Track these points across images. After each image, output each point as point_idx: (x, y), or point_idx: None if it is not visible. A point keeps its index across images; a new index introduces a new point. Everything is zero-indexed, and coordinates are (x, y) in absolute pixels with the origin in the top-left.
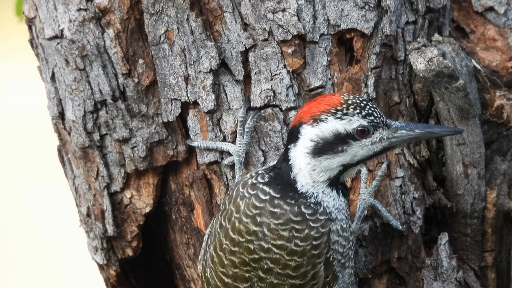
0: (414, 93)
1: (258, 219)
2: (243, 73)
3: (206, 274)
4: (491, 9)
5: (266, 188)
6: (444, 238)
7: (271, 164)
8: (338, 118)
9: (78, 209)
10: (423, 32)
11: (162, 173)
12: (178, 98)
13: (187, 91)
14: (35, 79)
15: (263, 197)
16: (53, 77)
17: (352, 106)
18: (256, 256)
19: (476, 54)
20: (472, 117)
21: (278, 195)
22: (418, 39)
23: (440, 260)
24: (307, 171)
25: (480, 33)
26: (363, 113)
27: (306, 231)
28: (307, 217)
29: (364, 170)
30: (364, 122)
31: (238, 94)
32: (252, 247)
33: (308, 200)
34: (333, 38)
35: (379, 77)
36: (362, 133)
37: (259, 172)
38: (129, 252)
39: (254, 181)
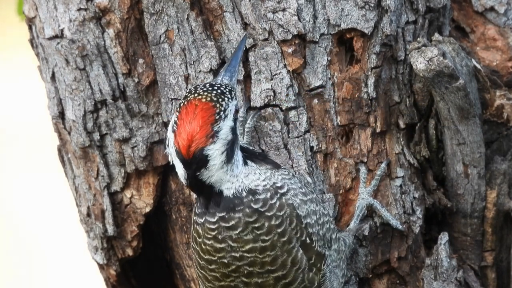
0: (414, 92)
1: (219, 236)
2: (243, 72)
3: (200, 287)
4: (491, 8)
5: (211, 210)
6: (444, 237)
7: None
8: (225, 117)
9: (78, 209)
10: (423, 31)
11: (162, 172)
12: (178, 98)
13: None
14: (35, 79)
15: (213, 219)
16: (53, 77)
17: (221, 99)
18: (233, 267)
19: (476, 53)
20: (472, 116)
21: (223, 213)
22: (418, 38)
23: (440, 260)
24: (228, 177)
25: (480, 33)
26: (228, 96)
27: (266, 224)
28: (261, 210)
29: (363, 169)
30: (235, 102)
31: (238, 93)
32: (226, 261)
33: (246, 196)
34: (333, 37)
35: (379, 76)
36: (237, 111)
37: (196, 201)
38: (129, 252)
39: (198, 211)
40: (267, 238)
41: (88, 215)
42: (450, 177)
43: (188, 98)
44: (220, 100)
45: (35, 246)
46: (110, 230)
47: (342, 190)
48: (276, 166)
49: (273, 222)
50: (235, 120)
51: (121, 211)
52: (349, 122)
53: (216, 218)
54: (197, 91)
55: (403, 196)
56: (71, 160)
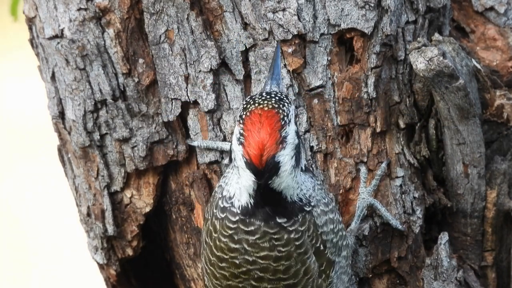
0: (414, 92)
1: (236, 237)
2: (243, 72)
3: (205, 283)
4: (491, 8)
5: (235, 210)
6: (444, 237)
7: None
8: (289, 122)
9: (78, 209)
10: (423, 31)
11: (162, 172)
12: (178, 98)
13: (187, 91)
14: (35, 79)
15: (233, 219)
16: (53, 77)
17: (281, 105)
18: (244, 269)
19: (476, 53)
20: (472, 116)
21: (246, 216)
22: (418, 38)
23: (440, 259)
24: (294, 182)
25: (480, 32)
26: (287, 101)
27: (286, 236)
28: (284, 225)
29: (363, 169)
30: (293, 106)
31: (238, 93)
32: (237, 261)
33: (294, 204)
34: (333, 37)
35: (379, 76)
36: (297, 116)
37: (224, 194)
38: (129, 251)
39: (222, 205)
40: (283, 250)
41: (88, 215)
42: (450, 177)
43: (250, 109)
44: (281, 106)
45: (35, 246)
46: (110, 230)
47: (342, 190)
48: (313, 174)
49: (292, 236)
50: (296, 124)
51: (121, 211)
52: (349, 122)
53: (236, 218)
54: (256, 101)
55: (403, 196)
56: (71, 160)
